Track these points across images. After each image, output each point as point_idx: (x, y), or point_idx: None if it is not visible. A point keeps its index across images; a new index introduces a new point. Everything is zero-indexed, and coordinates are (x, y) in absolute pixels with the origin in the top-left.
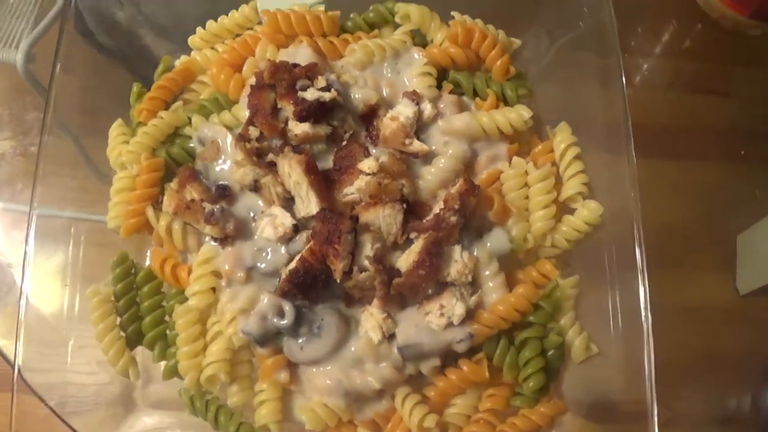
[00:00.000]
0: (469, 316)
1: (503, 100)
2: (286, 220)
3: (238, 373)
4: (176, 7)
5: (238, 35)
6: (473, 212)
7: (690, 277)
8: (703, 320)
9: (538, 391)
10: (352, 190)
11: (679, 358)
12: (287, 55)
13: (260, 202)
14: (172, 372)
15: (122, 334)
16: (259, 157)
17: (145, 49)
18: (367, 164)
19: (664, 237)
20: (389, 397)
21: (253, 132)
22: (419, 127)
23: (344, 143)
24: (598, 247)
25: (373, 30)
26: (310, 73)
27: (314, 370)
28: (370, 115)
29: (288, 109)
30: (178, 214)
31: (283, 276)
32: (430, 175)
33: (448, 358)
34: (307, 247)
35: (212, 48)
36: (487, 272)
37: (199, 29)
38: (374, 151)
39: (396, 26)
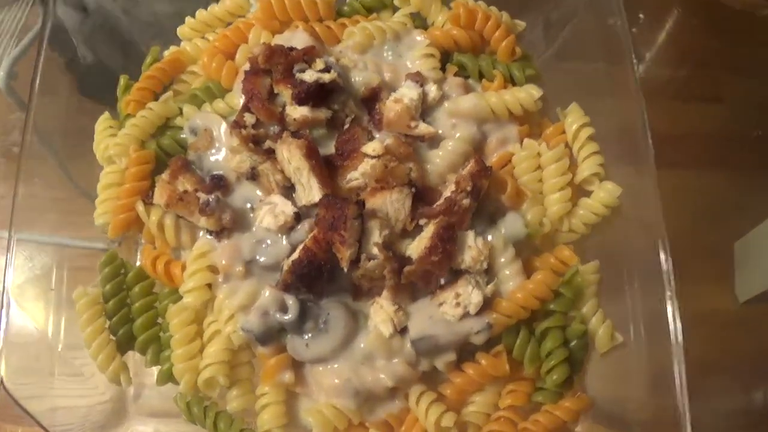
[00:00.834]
0: (486, 305)
1: (511, 82)
2: (286, 208)
3: (238, 376)
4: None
5: (229, 24)
6: (486, 196)
7: (687, 285)
8: (702, 329)
9: (562, 385)
10: (357, 175)
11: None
12: (282, 41)
13: (258, 192)
14: (167, 377)
15: (112, 337)
16: (256, 144)
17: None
18: (371, 147)
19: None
20: (402, 397)
21: (249, 119)
22: (424, 110)
23: (346, 127)
24: (616, 253)
25: (371, 14)
26: (308, 56)
27: (321, 369)
28: (372, 99)
29: (285, 93)
30: (171, 207)
31: (285, 268)
32: (438, 159)
33: (464, 353)
34: (310, 236)
35: (203, 38)
36: (503, 259)
37: (188, 18)
38: (378, 135)
39: (395, 10)
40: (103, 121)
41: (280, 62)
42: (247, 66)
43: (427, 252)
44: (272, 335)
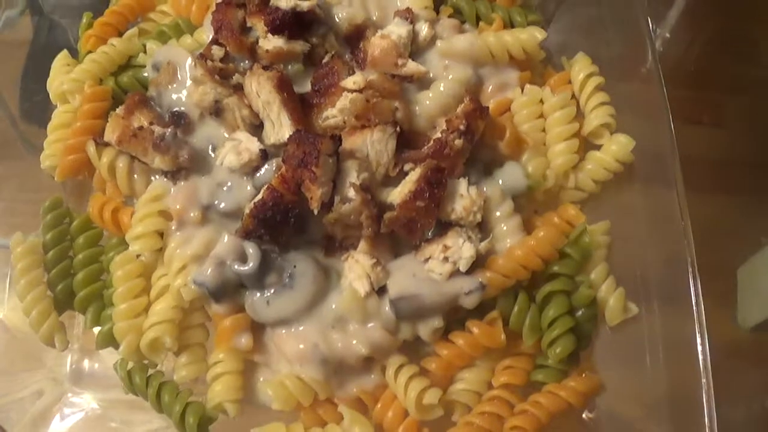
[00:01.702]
0: (479, 264)
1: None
2: (252, 145)
3: (189, 340)
4: None
5: None
6: (481, 143)
7: (689, 312)
8: (693, 354)
9: (566, 360)
10: (334, 112)
11: (679, 395)
12: None
13: (223, 132)
14: (108, 339)
15: (50, 293)
16: (224, 79)
17: None
18: (352, 80)
19: (663, 270)
20: (379, 370)
21: (217, 51)
22: (414, 51)
23: (325, 61)
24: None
25: None
26: None
27: (284, 332)
28: (356, 38)
29: (259, 27)
30: (123, 144)
31: (247, 211)
32: (428, 101)
33: (453, 322)
34: (277, 174)
35: None
36: (499, 213)
37: None
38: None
39: None
40: (61, 59)
41: None
42: None
43: (412, 196)
44: (228, 290)
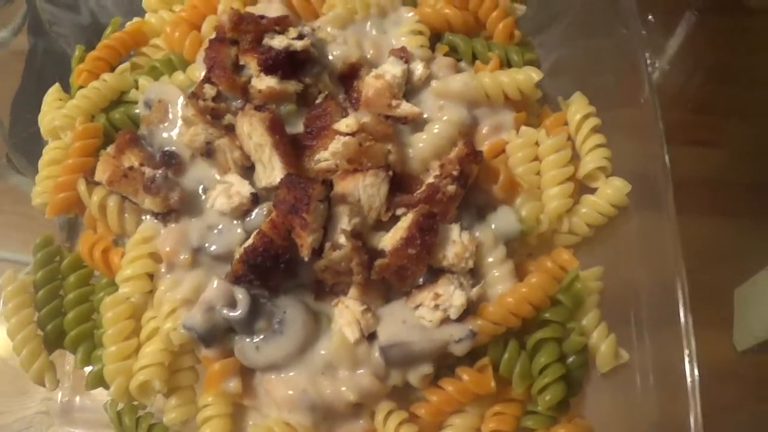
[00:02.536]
0: (470, 311)
1: (508, 67)
2: (243, 189)
3: (179, 383)
4: None
5: None
6: (474, 186)
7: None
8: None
9: (557, 407)
10: (327, 155)
11: (674, 419)
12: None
13: (215, 174)
14: (98, 380)
15: (40, 333)
16: (215, 119)
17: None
18: (345, 122)
19: (659, 292)
20: (367, 415)
21: (209, 90)
22: (408, 91)
23: (318, 101)
24: (624, 301)
25: None
26: (280, 26)
27: (273, 377)
28: (350, 76)
29: (252, 65)
30: (114, 184)
31: (237, 256)
32: (422, 143)
33: (443, 367)
34: (267, 220)
35: (170, 10)
36: (492, 258)
37: None
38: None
39: None
40: (52, 93)
41: (249, 30)
42: (213, 35)
43: (404, 243)
44: (218, 335)
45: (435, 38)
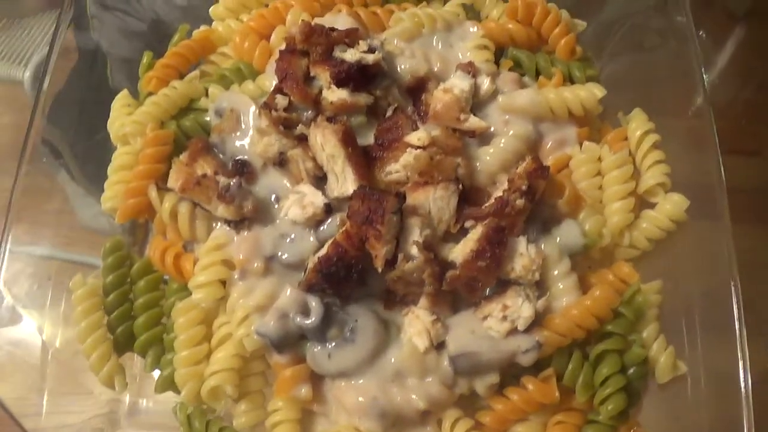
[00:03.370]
0: (536, 322)
1: (570, 83)
2: (316, 199)
3: (249, 388)
4: None
5: (266, 6)
6: (540, 200)
7: (721, 343)
8: (734, 388)
9: (617, 417)
10: (398, 167)
11: (727, 427)
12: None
13: (286, 183)
14: (168, 383)
15: (109, 336)
16: (287, 129)
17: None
18: (416, 136)
19: (711, 300)
20: (435, 422)
21: (281, 101)
22: (475, 104)
23: (388, 115)
24: (677, 309)
25: (420, 2)
26: (350, 38)
27: (343, 384)
28: (418, 89)
29: (322, 77)
30: (186, 192)
31: (310, 265)
32: (488, 156)
33: (508, 377)
34: (341, 230)
35: (237, 19)
36: (557, 271)
37: None
38: (423, 128)
39: (446, 0)
40: (121, 98)
41: (319, 42)
42: (282, 46)
43: (474, 256)
44: (290, 342)
45: (498, 53)
